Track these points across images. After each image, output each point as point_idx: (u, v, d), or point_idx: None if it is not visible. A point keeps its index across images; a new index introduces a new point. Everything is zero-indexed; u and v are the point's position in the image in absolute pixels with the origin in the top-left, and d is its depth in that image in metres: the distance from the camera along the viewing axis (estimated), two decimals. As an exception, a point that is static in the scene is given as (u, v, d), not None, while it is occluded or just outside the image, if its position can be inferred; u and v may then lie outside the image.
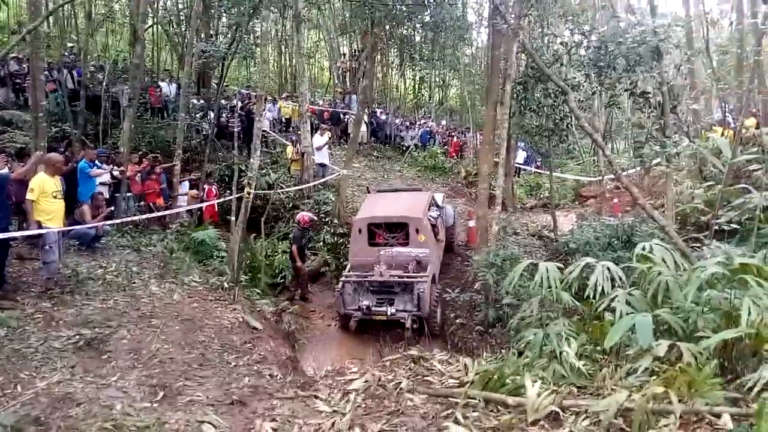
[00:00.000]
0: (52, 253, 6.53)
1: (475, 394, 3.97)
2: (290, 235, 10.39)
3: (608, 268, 4.50)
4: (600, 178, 16.93)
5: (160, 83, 16.86)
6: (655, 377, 3.69)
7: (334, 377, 4.97)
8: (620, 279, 4.51)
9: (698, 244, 7.87)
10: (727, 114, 17.56)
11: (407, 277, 9.02)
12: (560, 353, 4.30)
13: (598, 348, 4.50)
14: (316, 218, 10.54)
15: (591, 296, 4.54)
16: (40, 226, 6.44)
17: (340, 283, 9.25)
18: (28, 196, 6.42)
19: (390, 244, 9.84)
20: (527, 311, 5.05)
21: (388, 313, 8.63)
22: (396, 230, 9.96)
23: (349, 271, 9.65)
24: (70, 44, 18.79)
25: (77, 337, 5.39)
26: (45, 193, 6.55)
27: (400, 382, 4.41)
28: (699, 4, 18.55)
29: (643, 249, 4.57)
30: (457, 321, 8.91)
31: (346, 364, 5.56)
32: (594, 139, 7.95)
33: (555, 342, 4.34)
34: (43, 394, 4.36)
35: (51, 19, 20.86)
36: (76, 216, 8.54)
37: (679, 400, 3.33)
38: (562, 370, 4.16)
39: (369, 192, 13.22)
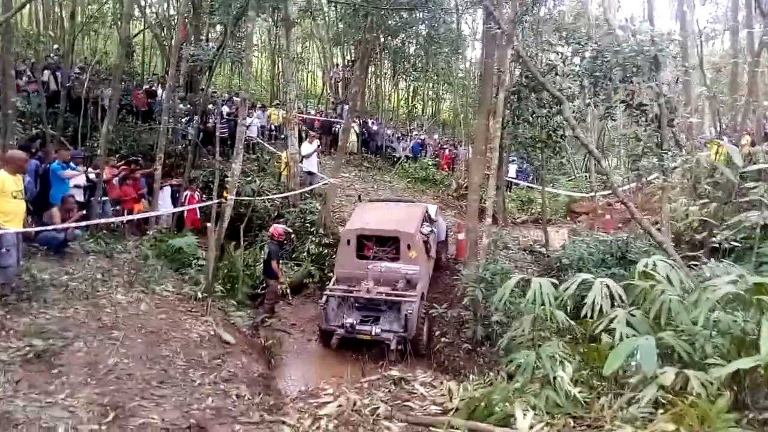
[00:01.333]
0: (9, 256, 6.06)
1: (459, 423, 3.56)
2: (265, 250, 9.39)
3: (607, 286, 4.13)
4: (593, 194, 16.66)
5: (155, 88, 16.48)
6: (660, 409, 3.30)
7: (306, 399, 4.55)
8: (620, 298, 4.13)
9: (694, 263, 7.53)
10: (720, 131, 17.41)
11: (395, 295, 8.51)
12: (554, 378, 3.91)
13: (594, 373, 4.12)
14: (290, 230, 9.88)
15: (588, 315, 4.17)
16: (-5, 227, 5.99)
17: (324, 297, 8.67)
18: None
19: (379, 258, 9.29)
20: (518, 330, 4.66)
21: (373, 333, 8.08)
22: (386, 244, 9.44)
23: (334, 284, 9.13)
24: (55, 45, 18.40)
25: (27, 348, 4.92)
26: (4, 192, 6.09)
27: (377, 408, 4.00)
28: (693, 21, 18.48)
29: (646, 265, 4.18)
30: (444, 338, 8.47)
31: (321, 384, 5.13)
32: (590, 151, 7.62)
33: (548, 365, 3.95)
34: (-23, 413, 3.90)
35: (39, 19, 20.60)
36: (45, 218, 8.10)
37: (690, 437, 2.95)
38: (556, 398, 3.77)
39: (360, 201, 12.83)
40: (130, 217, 9.88)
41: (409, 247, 9.04)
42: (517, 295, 6.51)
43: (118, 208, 10.56)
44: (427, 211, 10.61)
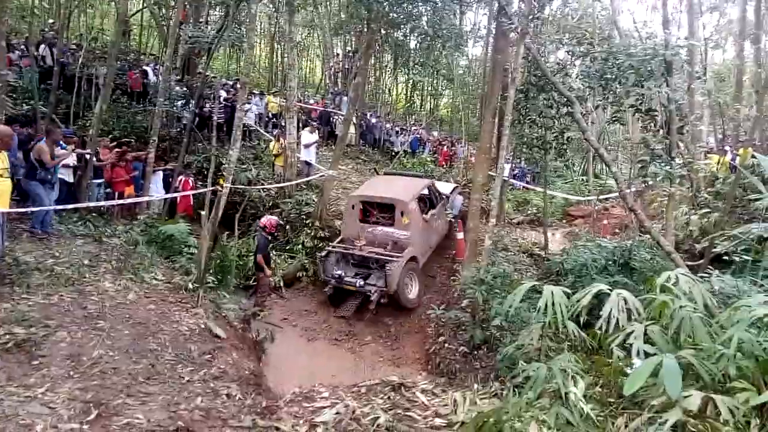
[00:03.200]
0: (-9, 237, 5.79)
1: (468, 440, 3.35)
2: (254, 241, 9.59)
3: (624, 299, 3.92)
4: (594, 197, 16.50)
5: (146, 68, 16.10)
6: (681, 432, 3.10)
7: (301, 403, 4.30)
8: (637, 312, 3.92)
9: (701, 275, 7.33)
10: (722, 140, 17.35)
11: (382, 255, 9.50)
12: (566, 394, 3.69)
13: (608, 390, 3.92)
14: (282, 223, 9.79)
15: (602, 329, 3.95)
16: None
17: (325, 252, 9.84)
18: None
19: (379, 222, 10.35)
20: (526, 339, 4.44)
21: (357, 285, 9.19)
22: (385, 211, 10.44)
23: (337, 243, 10.20)
24: (50, 20, 17.93)
25: (7, 336, 4.65)
26: None
27: (378, 417, 3.77)
28: (699, 29, 18.34)
29: (668, 279, 3.97)
30: (440, 339, 8.25)
31: (316, 386, 4.89)
32: (600, 154, 7.42)
33: (560, 380, 3.73)
34: (-51, 407, 3.63)
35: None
36: (33, 155, 7.65)
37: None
38: (568, 415, 3.55)
39: (377, 173, 13.99)
40: (121, 202, 9.58)
41: (402, 213, 9.91)
42: (520, 300, 6.29)
43: (108, 190, 10.25)
44: (433, 186, 11.55)
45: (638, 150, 9.73)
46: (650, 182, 8.33)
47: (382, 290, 9.10)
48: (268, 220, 9.46)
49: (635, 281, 8.37)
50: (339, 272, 9.40)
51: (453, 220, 11.85)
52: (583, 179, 23.04)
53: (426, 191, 11.12)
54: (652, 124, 8.83)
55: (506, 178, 20.26)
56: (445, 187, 12.66)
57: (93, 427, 3.77)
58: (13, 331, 4.77)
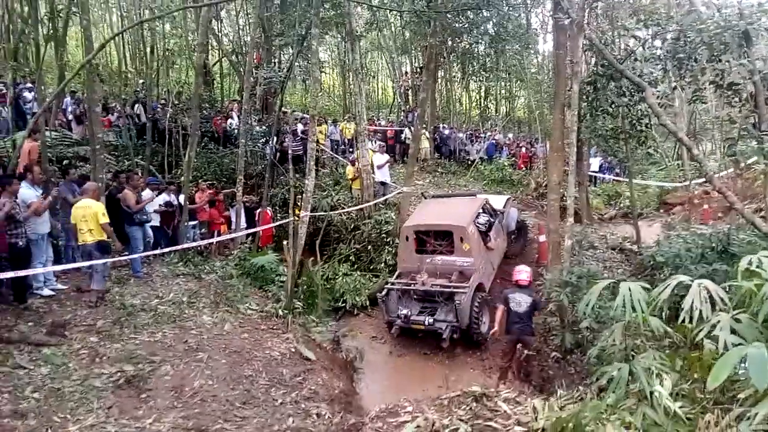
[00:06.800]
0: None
1: (545, 446, 3.31)
2: (517, 300, 7.26)
3: (707, 288, 3.71)
4: (687, 183, 15.48)
5: (231, 112, 17.18)
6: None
7: (386, 419, 4.42)
8: (722, 300, 3.69)
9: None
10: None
11: (447, 287, 8.75)
12: (651, 393, 3.54)
13: (698, 385, 3.71)
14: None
15: (686, 321, 3.76)
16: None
17: (384, 290, 9.12)
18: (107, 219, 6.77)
19: (436, 251, 9.67)
20: (609, 340, 4.30)
21: (426, 323, 8.37)
22: (442, 238, 9.78)
23: (396, 278, 9.59)
24: (141, 80, 19.64)
25: (119, 374, 5.17)
26: None
27: (457, 429, 3.80)
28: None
29: (750, 263, 3.72)
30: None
31: (401, 401, 4.98)
32: (679, 138, 7.04)
33: (644, 379, 3.58)
34: (74, 439, 4.09)
35: (127, 56, 22.13)
36: (122, 202, 8.48)
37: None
38: (654, 415, 3.40)
39: (424, 197, 13.23)
40: (207, 241, 10.29)
41: (462, 239, 9.26)
42: (607, 299, 6.07)
43: (203, 230, 11.03)
44: (487, 203, 10.84)
45: (724, 127, 9.09)
46: (740, 161, 7.76)
47: (454, 325, 8.35)
48: (522, 271, 7.51)
49: (737, 269, 7.78)
50: (404, 311, 8.56)
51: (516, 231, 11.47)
52: (678, 164, 21.71)
53: (482, 211, 10.39)
54: (737, 99, 8.26)
55: (594, 172, 19.60)
56: (498, 201, 11.81)
57: (195, 451, 4.10)
58: (124, 369, 5.28)
